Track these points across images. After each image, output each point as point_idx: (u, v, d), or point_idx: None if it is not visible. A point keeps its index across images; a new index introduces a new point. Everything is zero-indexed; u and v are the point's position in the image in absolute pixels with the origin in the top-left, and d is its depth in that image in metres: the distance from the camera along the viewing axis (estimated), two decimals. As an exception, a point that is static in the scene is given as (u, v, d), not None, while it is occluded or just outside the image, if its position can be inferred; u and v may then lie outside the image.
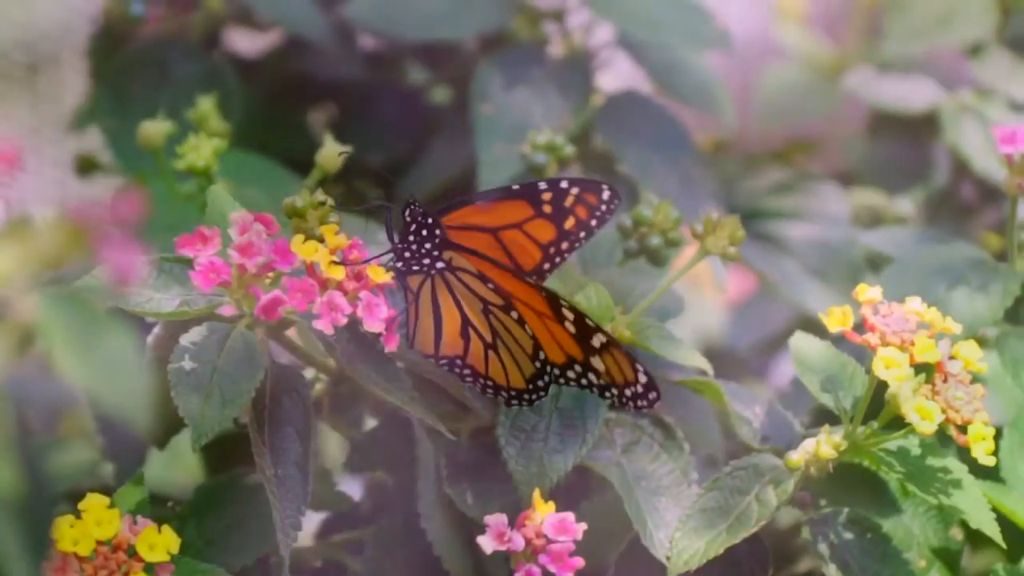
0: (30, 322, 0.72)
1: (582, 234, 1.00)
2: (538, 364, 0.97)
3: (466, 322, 0.97)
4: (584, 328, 0.95)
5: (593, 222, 1.00)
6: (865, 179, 1.46)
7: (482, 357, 0.97)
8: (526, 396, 0.98)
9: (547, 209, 1.00)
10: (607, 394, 0.96)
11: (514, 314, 0.96)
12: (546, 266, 1.00)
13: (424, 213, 0.97)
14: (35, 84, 1.72)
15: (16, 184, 0.76)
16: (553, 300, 0.96)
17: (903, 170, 1.46)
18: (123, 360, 0.71)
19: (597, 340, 0.95)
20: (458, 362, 0.98)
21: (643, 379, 0.95)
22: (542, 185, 1.00)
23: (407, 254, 0.97)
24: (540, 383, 0.97)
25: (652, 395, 0.95)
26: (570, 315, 0.95)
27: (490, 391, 0.98)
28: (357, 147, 1.18)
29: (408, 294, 0.97)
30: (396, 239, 0.97)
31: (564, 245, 1.00)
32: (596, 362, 0.95)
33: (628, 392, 0.95)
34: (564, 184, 1.00)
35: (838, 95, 1.56)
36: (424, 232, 0.96)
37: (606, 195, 1.00)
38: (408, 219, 0.97)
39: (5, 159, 0.74)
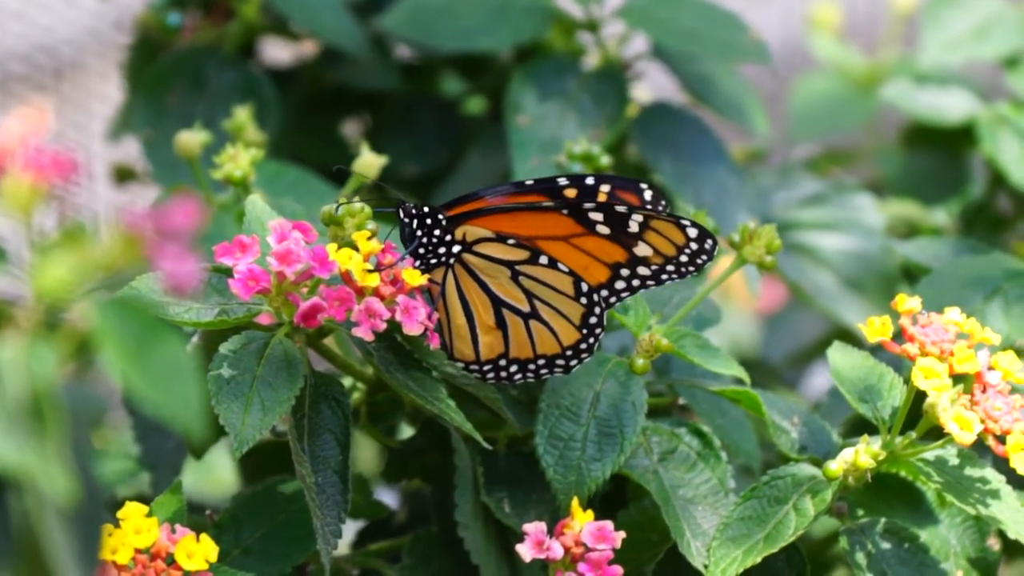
0: (85, 330, 0.72)
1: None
2: (584, 301, 0.96)
3: (498, 304, 0.96)
4: (617, 219, 0.94)
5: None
6: (900, 190, 1.46)
7: (525, 337, 0.97)
8: (583, 345, 0.97)
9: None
10: (663, 277, 0.95)
11: (543, 259, 0.96)
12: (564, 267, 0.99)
13: (418, 206, 0.96)
14: (60, 90, 1.73)
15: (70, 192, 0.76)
16: (576, 209, 0.95)
17: (938, 181, 1.46)
18: (177, 367, 0.71)
19: (634, 223, 0.94)
20: (502, 363, 0.97)
21: (693, 232, 0.94)
22: (562, 180, 0.99)
23: (421, 250, 0.96)
24: (593, 320, 0.96)
25: (709, 243, 0.94)
26: (599, 216, 0.95)
27: (544, 371, 0.98)
28: (392, 157, 1.19)
29: (435, 297, 0.97)
30: (403, 238, 0.97)
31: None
32: (641, 249, 0.94)
33: (684, 258, 0.94)
34: (590, 181, 0.98)
35: (872, 106, 1.56)
36: (428, 221, 0.96)
37: (648, 195, 0.99)
38: (406, 220, 0.96)
39: (61, 167, 0.74)
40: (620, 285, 0.96)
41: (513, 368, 0.98)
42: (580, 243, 0.96)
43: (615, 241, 0.95)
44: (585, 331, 0.97)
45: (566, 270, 0.96)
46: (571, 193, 0.98)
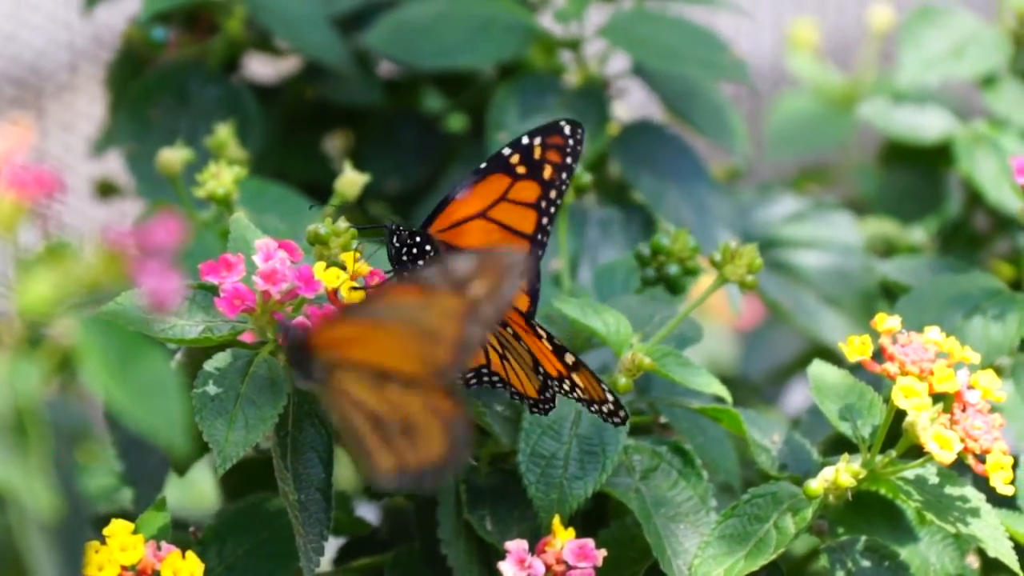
0: (68, 346, 0.73)
1: (564, 175, 1.00)
2: (540, 377, 0.97)
3: None
4: (557, 348, 0.96)
5: (568, 159, 0.99)
6: (878, 208, 1.47)
7: (501, 367, 0.98)
8: (540, 405, 0.98)
9: (521, 170, 0.99)
10: (591, 408, 0.96)
11: (509, 330, 0.97)
12: (544, 221, 1.00)
13: (411, 234, 0.97)
14: (49, 110, 1.73)
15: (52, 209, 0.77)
16: (526, 318, 0.96)
17: (916, 199, 1.46)
18: (160, 384, 0.71)
19: (569, 358, 0.95)
20: (484, 371, 0.98)
21: (610, 398, 0.95)
22: (506, 151, 0.99)
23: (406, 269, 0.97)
24: (548, 394, 0.98)
25: (622, 413, 0.96)
26: (543, 333, 0.96)
27: (517, 397, 0.99)
28: (374, 173, 1.19)
29: None
30: (391, 261, 0.97)
31: (552, 194, 1.00)
32: (577, 378, 0.96)
33: (605, 409, 0.96)
34: (525, 140, 0.99)
35: (849, 124, 1.57)
36: (415, 251, 0.97)
37: (567, 129, 1.00)
38: (396, 244, 0.97)
39: (43, 184, 0.74)
40: (566, 386, 0.97)
41: (495, 378, 0.99)
42: (537, 342, 0.96)
43: (559, 360, 0.95)
44: (541, 396, 0.97)
45: (525, 348, 0.96)
46: (516, 160, 0.99)
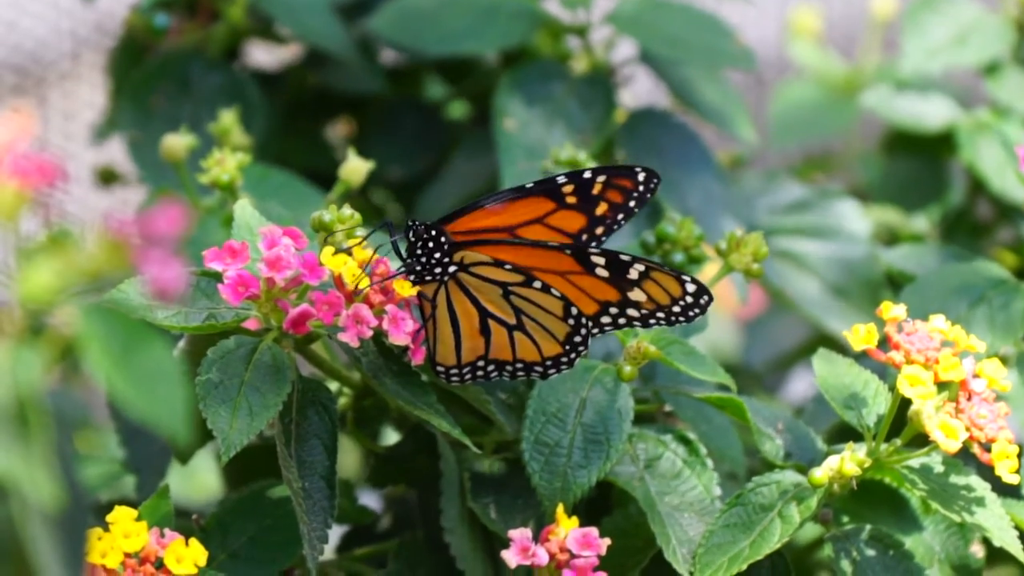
0: (70, 335, 0.72)
1: (620, 216, 0.99)
2: (571, 322, 0.97)
3: (485, 315, 0.97)
4: (619, 265, 0.95)
5: (632, 203, 0.99)
6: (881, 196, 1.46)
7: (507, 343, 0.98)
8: (564, 359, 0.98)
9: (571, 200, 0.99)
10: (651, 321, 0.96)
11: (537, 284, 0.96)
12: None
13: (427, 227, 0.97)
14: (50, 99, 1.73)
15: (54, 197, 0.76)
16: (580, 255, 0.96)
17: (919, 188, 1.46)
18: (162, 372, 0.71)
19: (635, 271, 0.95)
20: (480, 363, 0.98)
21: (691, 288, 0.94)
22: (561, 179, 0.99)
23: (419, 267, 0.97)
24: (577, 339, 0.97)
25: (704, 298, 0.95)
26: (601, 260, 0.95)
27: (521, 374, 0.98)
28: (377, 161, 1.19)
29: (424, 305, 0.97)
30: (405, 255, 0.97)
31: (599, 230, 0.99)
32: (635, 294, 0.95)
33: (676, 309, 0.95)
34: (587, 175, 0.99)
35: (852, 112, 1.57)
36: (431, 244, 0.96)
37: (641, 176, 0.99)
38: (412, 238, 0.96)
39: (44, 172, 0.74)
40: (605, 320, 0.96)
41: (491, 367, 0.98)
42: (577, 280, 0.97)
43: (611, 284, 0.95)
44: (567, 347, 0.97)
45: (558, 295, 0.96)
46: (569, 190, 0.99)
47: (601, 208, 0.99)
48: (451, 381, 0.99)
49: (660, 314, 0.96)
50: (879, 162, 1.50)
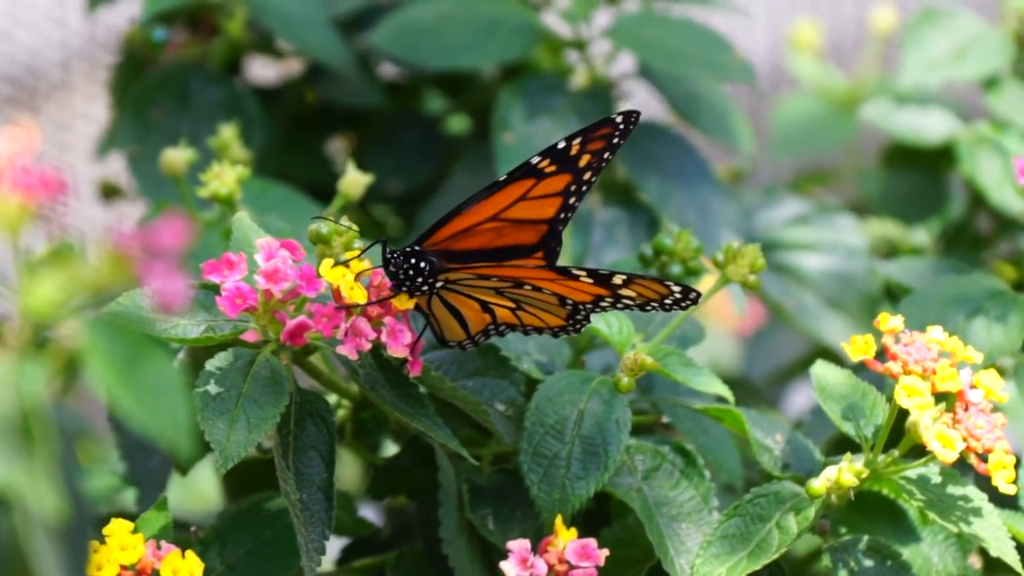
0: (73, 348, 0.73)
1: (606, 154, 0.99)
2: (569, 307, 0.97)
3: (485, 304, 0.97)
4: (601, 278, 0.95)
5: (616, 139, 0.98)
6: (880, 210, 1.47)
7: (512, 316, 0.98)
8: (570, 328, 0.98)
9: (550, 170, 0.98)
10: (647, 308, 0.96)
11: (527, 287, 0.97)
12: (572, 200, 0.99)
13: (404, 255, 0.96)
14: (45, 110, 1.73)
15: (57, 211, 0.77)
16: (562, 272, 0.96)
17: (918, 201, 1.46)
18: (165, 384, 0.71)
19: (618, 279, 0.95)
20: (490, 329, 0.98)
21: (676, 289, 0.95)
22: (535, 159, 0.98)
23: (404, 289, 0.96)
24: (579, 316, 0.98)
25: (693, 294, 0.95)
26: (582, 273, 0.96)
27: (533, 332, 0.99)
28: (377, 175, 1.19)
29: (422, 303, 0.97)
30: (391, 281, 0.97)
31: (586, 176, 0.99)
32: (625, 292, 0.96)
33: (668, 301, 0.96)
34: (561, 144, 0.98)
35: (852, 126, 1.57)
36: (411, 272, 0.96)
37: (619, 118, 0.98)
38: (393, 269, 0.96)
39: (47, 185, 0.74)
40: (604, 304, 0.97)
41: (502, 328, 0.99)
42: (566, 283, 0.97)
43: (600, 286, 0.96)
44: (570, 321, 0.98)
45: (549, 292, 0.97)
46: (550, 167, 0.98)
47: (584, 160, 0.98)
48: (466, 348, 0.99)
49: (654, 303, 0.96)
50: (879, 175, 1.50)
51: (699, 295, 0.96)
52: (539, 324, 0.99)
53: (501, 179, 0.98)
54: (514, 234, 0.99)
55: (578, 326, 0.99)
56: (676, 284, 0.95)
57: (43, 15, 1.70)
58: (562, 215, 0.99)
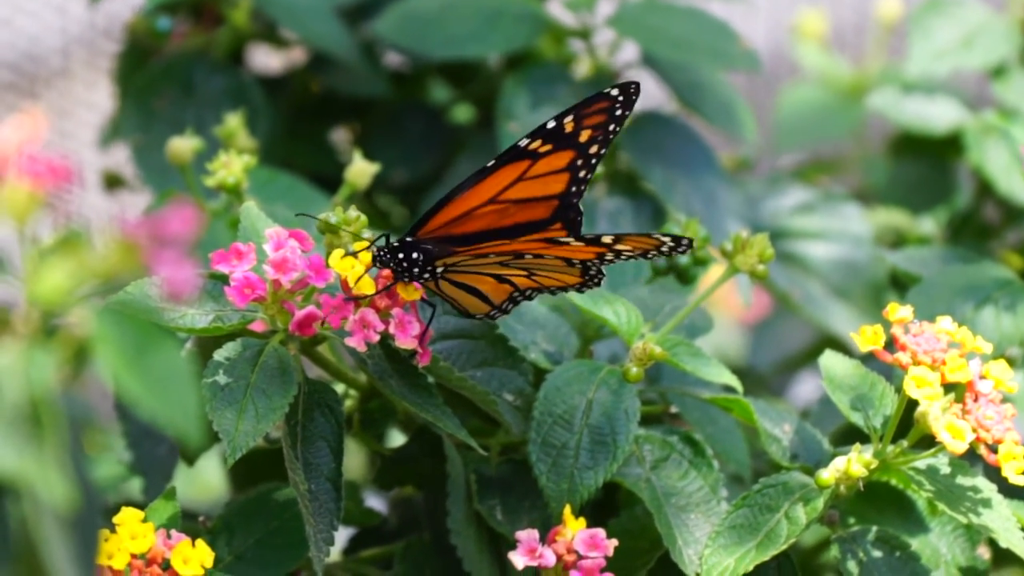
0: (82, 336, 0.72)
1: (612, 127, 0.97)
2: (578, 265, 0.97)
3: (499, 277, 0.97)
4: (590, 241, 0.95)
5: (619, 110, 0.97)
6: (887, 199, 1.46)
7: (531, 282, 0.98)
8: (589, 283, 0.98)
9: (544, 149, 0.97)
10: (649, 256, 0.96)
11: (528, 256, 0.96)
12: (582, 173, 0.98)
13: (393, 250, 0.95)
14: (47, 98, 1.73)
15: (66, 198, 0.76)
16: (551, 242, 0.96)
17: (925, 190, 1.46)
18: (174, 373, 0.71)
19: (606, 239, 0.95)
20: (516, 295, 0.98)
21: (667, 239, 0.95)
22: (523, 141, 0.97)
23: (406, 278, 0.96)
24: (591, 271, 0.97)
25: (685, 241, 0.95)
26: (571, 240, 0.95)
27: (558, 291, 0.99)
28: (382, 164, 1.19)
29: (432, 287, 0.97)
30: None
31: (592, 149, 0.98)
32: (621, 246, 0.95)
33: (664, 249, 0.95)
34: (552, 124, 0.97)
35: (858, 115, 1.57)
36: (405, 264, 0.96)
37: (615, 91, 0.97)
38: (376, 254, 0.95)
39: (57, 173, 0.74)
40: (608, 257, 0.96)
41: (528, 293, 0.98)
42: (564, 248, 0.96)
43: (595, 245, 0.95)
44: (586, 277, 0.97)
45: (552, 257, 0.96)
46: (544, 147, 0.97)
47: (585, 135, 0.97)
48: (495, 318, 0.99)
49: (652, 253, 0.96)
50: (886, 164, 1.50)
51: (691, 242, 0.95)
52: (559, 284, 0.98)
53: (489, 165, 0.98)
54: (520, 212, 0.98)
55: (596, 280, 0.97)
56: (665, 235, 0.95)
57: (43, 2, 1.69)
58: (573, 188, 0.98)
